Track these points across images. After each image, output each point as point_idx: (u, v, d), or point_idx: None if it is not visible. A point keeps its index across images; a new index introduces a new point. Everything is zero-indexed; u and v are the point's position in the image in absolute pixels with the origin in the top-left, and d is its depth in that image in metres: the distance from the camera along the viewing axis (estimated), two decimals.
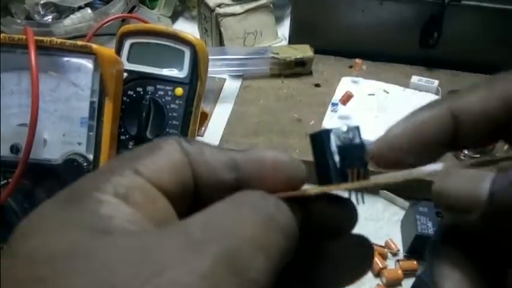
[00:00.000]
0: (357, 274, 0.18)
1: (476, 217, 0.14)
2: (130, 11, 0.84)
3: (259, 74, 0.73)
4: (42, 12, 0.76)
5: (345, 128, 0.17)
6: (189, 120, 0.50)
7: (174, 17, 0.91)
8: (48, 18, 0.77)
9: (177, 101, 0.50)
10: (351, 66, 0.76)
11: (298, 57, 0.72)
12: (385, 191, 0.58)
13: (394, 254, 0.52)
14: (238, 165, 0.17)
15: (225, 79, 0.75)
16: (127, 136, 0.50)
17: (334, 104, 0.66)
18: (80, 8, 0.78)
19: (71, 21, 0.76)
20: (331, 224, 0.18)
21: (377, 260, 0.51)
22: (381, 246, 0.53)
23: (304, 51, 0.73)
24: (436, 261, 0.17)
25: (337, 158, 0.17)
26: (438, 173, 0.15)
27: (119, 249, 0.12)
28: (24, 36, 0.44)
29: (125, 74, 0.50)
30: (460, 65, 0.74)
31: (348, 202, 0.18)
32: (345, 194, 0.17)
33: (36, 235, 0.13)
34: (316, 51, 0.74)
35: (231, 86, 0.74)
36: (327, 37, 0.78)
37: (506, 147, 0.59)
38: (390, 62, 0.76)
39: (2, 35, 0.45)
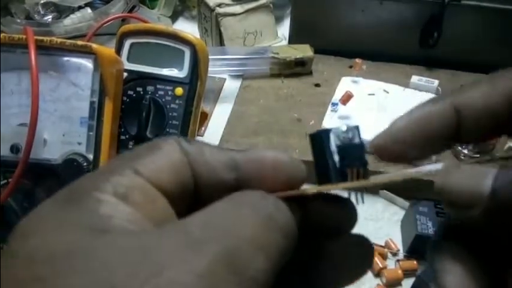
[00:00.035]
0: (357, 274, 0.18)
1: (479, 213, 0.15)
2: (130, 11, 0.84)
3: (259, 74, 0.73)
4: (42, 12, 0.76)
5: (344, 128, 0.17)
6: (189, 120, 0.50)
7: (174, 17, 0.91)
8: (48, 18, 0.77)
9: (177, 101, 0.50)
10: (351, 66, 0.76)
11: (298, 57, 0.72)
12: (385, 191, 0.58)
13: (394, 254, 0.52)
14: (238, 165, 0.17)
15: (225, 79, 0.75)
16: (127, 136, 0.50)
17: (334, 104, 0.65)
18: (80, 7, 0.78)
19: (71, 21, 0.76)
20: (331, 224, 0.18)
21: (377, 260, 0.51)
22: (381, 246, 0.53)
23: (304, 51, 0.73)
24: (438, 256, 0.17)
25: (336, 157, 0.17)
26: (437, 172, 0.15)
27: (118, 249, 0.12)
28: (24, 36, 0.44)
29: (125, 74, 0.50)
30: (460, 65, 0.74)
31: (348, 202, 0.18)
32: (345, 194, 0.18)
33: (35, 235, 0.13)
34: (316, 51, 0.74)
35: (231, 85, 0.74)
36: (327, 37, 0.78)
37: (506, 147, 0.59)
38: (390, 62, 0.76)
39: (2, 34, 0.45)
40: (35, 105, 0.42)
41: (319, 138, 0.17)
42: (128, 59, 0.51)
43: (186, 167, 0.16)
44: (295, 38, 0.79)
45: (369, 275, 0.50)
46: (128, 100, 0.50)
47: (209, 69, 0.52)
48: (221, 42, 0.78)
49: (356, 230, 0.18)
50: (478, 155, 0.57)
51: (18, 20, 0.76)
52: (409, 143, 0.17)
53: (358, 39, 0.77)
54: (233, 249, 0.13)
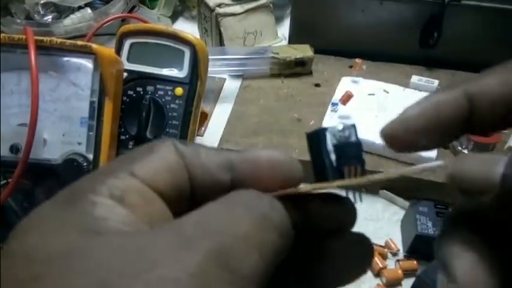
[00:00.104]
0: (357, 273, 0.18)
1: (490, 199, 0.15)
2: (130, 11, 0.84)
3: (259, 74, 0.73)
4: (42, 12, 0.76)
5: (340, 127, 0.17)
6: (189, 120, 0.50)
7: (174, 17, 0.91)
8: (48, 18, 0.77)
9: (177, 101, 0.50)
10: (351, 66, 0.76)
11: (298, 57, 0.72)
12: (385, 191, 0.58)
13: (394, 254, 0.52)
14: (233, 166, 0.17)
15: (225, 79, 0.75)
16: (127, 136, 0.50)
17: (334, 104, 0.65)
18: (79, 7, 0.78)
19: (70, 21, 0.76)
20: (330, 223, 0.18)
21: (377, 259, 0.51)
22: (381, 246, 0.53)
23: (304, 51, 0.73)
24: (447, 243, 0.16)
25: (333, 156, 0.17)
26: (435, 168, 0.15)
27: (112, 249, 0.12)
28: (24, 36, 0.44)
29: (125, 74, 0.50)
30: (460, 65, 0.74)
31: (346, 200, 0.18)
32: (343, 193, 0.18)
33: (35, 235, 0.13)
34: (316, 51, 0.74)
35: (231, 85, 0.74)
36: (327, 37, 0.78)
37: (506, 146, 0.59)
38: (390, 62, 0.76)
39: (2, 35, 0.45)
40: (35, 105, 0.42)
41: (316, 137, 0.17)
42: (128, 59, 0.51)
43: (182, 168, 0.16)
44: (295, 38, 0.79)
45: (369, 275, 0.50)
46: (127, 100, 0.50)
47: (209, 69, 0.52)
48: (221, 42, 0.78)
49: (356, 230, 0.18)
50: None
51: (18, 20, 0.76)
52: (420, 131, 0.17)
53: (358, 39, 0.77)
54: (226, 248, 0.13)
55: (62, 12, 0.78)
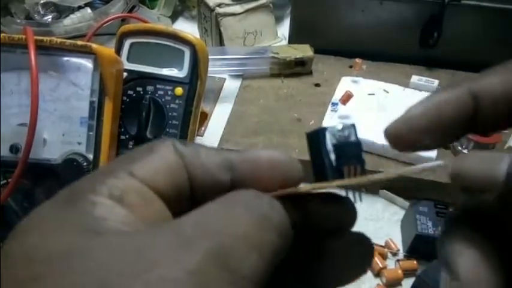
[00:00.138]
0: (357, 273, 0.18)
1: (493, 198, 0.15)
2: (130, 11, 0.84)
3: (259, 74, 0.73)
4: (42, 12, 0.76)
5: (340, 126, 0.17)
6: (189, 120, 0.50)
7: (174, 17, 0.91)
8: (48, 18, 0.77)
9: (177, 101, 0.50)
10: (351, 66, 0.76)
11: (298, 57, 0.72)
12: (385, 191, 0.58)
13: (394, 254, 0.52)
14: (233, 166, 0.17)
15: (225, 79, 0.75)
16: (127, 136, 0.50)
17: (334, 104, 0.65)
18: (79, 7, 0.78)
19: (70, 21, 0.76)
20: (330, 223, 0.18)
21: (377, 259, 0.51)
22: (381, 246, 0.53)
23: (304, 51, 0.73)
24: (450, 240, 0.16)
25: (332, 156, 0.17)
26: (435, 168, 0.15)
27: (111, 249, 0.12)
28: (24, 36, 0.44)
29: (125, 74, 0.50)
30: (460, 64, 0.74)
31: (346, 200, 0.18)
32: (342, 193, 0.17)
33: (35, 235, 0.13)
34: (316, 51, 0.74)
35: (231, 85, 0.74)
36: (327, 37, 0.78)
37: (506, 146, 0.59)
38: (390, 61, 0.76)
39: (2, 34, 0.45)
40: (35, 105, 0.42)
41: (316, 137, 0.17)
42: (128, 59, 0.51)
43: (181, 169, 0.16)
44: (295, 38, 0.79)
45: (369, 275, 0.50)
46: (127, 100, 0.50)
47: (209, 69, 0.52)
48: (221, 42, 0.78)
49: (356, 230, 0.18)
50: None
51: (18, 20, 0.76)
52: (423, 130, 0.17)
53: (358, 39, 0.77)
54: (225, 248, 0.13)
55: (61, 12, 0.78)
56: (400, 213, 0.56)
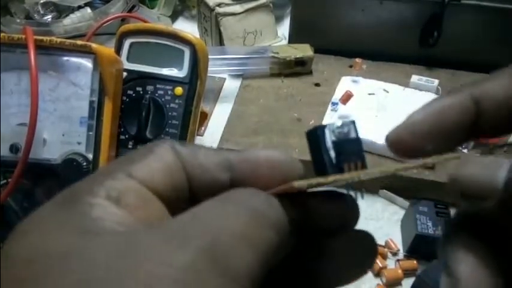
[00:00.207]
0: (360, 272, 0.18)
1: (493, 204, 0.14)
2: (130, 11, 0.84)
3: (259, 74, 0.73)
4: (41, 12, 0.76)
5: (339, 123, 0.17)
6: (189, 119, 0.50)
7: (173, 17, 0.91)
8: (48, 17, 0.77)
9: (176, 101, 0.50)
10: (351, 66, 0.76)
11: (298, 56, 0.72)
12: (384, 191, 0.58)
13: (394, 254, 0.52)
14: (232, 166, 0.17)
15: (224, 78, 0.75)
16: (127, 136, 0.50)
17: (334, 104, 0.65)
18: (79, 7, 0.78)
19: (70, 21, 0.76)
20: (332, 221, 0.18)
21: (377, 259, 0.51)
22: (381, 246, 0.53)
23: (304, 50, 0.73)
24: (450, 246, 0.16)
25: (332, 153, 0.16)
26: (420, 166, 0.15)
27: (106, 249, 0.12)
28: (23, 36, 0.44)
29: (125, 74, 0.50)
30: (460, 64, 0.74)
31: (347, 197, 0.17)
32: (344, 191, 0.17)
33: (35, 236, 0.13)
34: (316, 51, 0.74)
35: (231, 85, 0.74)
36: (327, 36, 0.78)
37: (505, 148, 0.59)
38: (390, 61, 0.76)
39: (2, 34, 0.45)
40: (35, 105, 0.42)
41: (315, 135, 0.17)
42: (128, 59, 0.51)
43: (180, 169, 0.16)
44: (295, 37, 0.79)
45: (369, 274, 0.50)
46: (127, 100, 0.50)
47: (209, 68, 0.52)
48: (221, 42, 0.78)
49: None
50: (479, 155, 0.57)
51: (18, 20, 0.76)
52: (426, 135, 0.17)
53: (358, 39, 0.77)
54: (218, 244, 0.13)
55: (61, 11, 0.78)
56: (400, 213, 0.56)
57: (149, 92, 0.50)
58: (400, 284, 0.50)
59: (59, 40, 0.45)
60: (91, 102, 0.46)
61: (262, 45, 0.78)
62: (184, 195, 0.16)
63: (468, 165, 0.15)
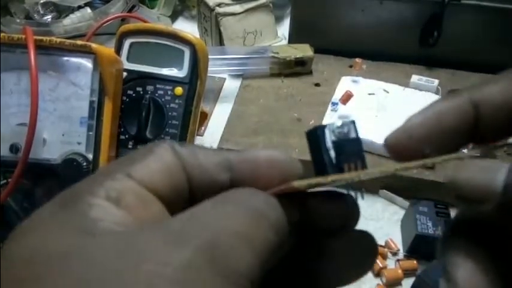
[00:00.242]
0: (360, 272, 0.18)
1: (491, 208, 0.14)
2: (130, 11, 0.84)
3: (259, 74, 0.73)
4: (41, 12, 0.76)
5: (339, 123, 0.17)
6: (189, 119, 0.50)
7: (173, 17, 0.91)
8: (48, 17, 0.77)
9: (176, 101, 0.50)
10: (350, 66, 0.76)
11: (298, 56, 0.72)
12: (384, 191, 0.58)
13: (394, 254, 0.52)
14: (232, 166, 0.17)
15: (224, 79, 0.75)
16: (127, 136, 0.50)
17: (334, 104, 0.65)
18: (79, 7, 0.78)
19: (70, 21, 0.76)
20: (332, 221, 0.18)
21: (377, 259, 0.51)
22: (381, 246, 0.53)
23: (304, 50, 0.73)
24: (448, 250, 0.16)
25: (332, 153, 0.16)
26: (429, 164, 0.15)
27: (105, 249, 0.13)
28: (23, 36, 0.44)
29: (125, 74, 0.50)
30: (460, 64, 0.74)
31: (347, 198, 0.17)
32: (344, 191, 0.17)
33: (35, 236, 0.13)
34: (316, 51, 0.74)
35: (231, 85, 0.74)
36: (326, 37, 0.78)
37: (505, 148, 0.59)
38: (390, 61, 0.76)
39: (2, 34, 0.45)
40: (35, 105, 0.42)
41: (315, 135, 0.17)
42: (128, 59, 0.51)
43: (179, 170, 0.16)
44: (295, 37, 0.79)
45: (369, 275, 0.50)
46: (127, 100, 0.50)
47: (209, 69, 0.52)
48: (221, 42, 0.78)
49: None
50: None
51: (18, 20, 0.76)
52: (424, 139, 0.17)
53: (358, 39, 0.77)
54: (217, 244, 0.13)
55: (61, 11, 0.78)
56: (400, 213, 0.56)
57: (149, 92, 0.50)
58: (400, 284, 0.50)
59: (58, 40, 0.45)
60: (91, 102, 0.46)
61: (262, 45, 0.78)
62: (184, 195, 0.16)
63: (466, 168, 0.15)
